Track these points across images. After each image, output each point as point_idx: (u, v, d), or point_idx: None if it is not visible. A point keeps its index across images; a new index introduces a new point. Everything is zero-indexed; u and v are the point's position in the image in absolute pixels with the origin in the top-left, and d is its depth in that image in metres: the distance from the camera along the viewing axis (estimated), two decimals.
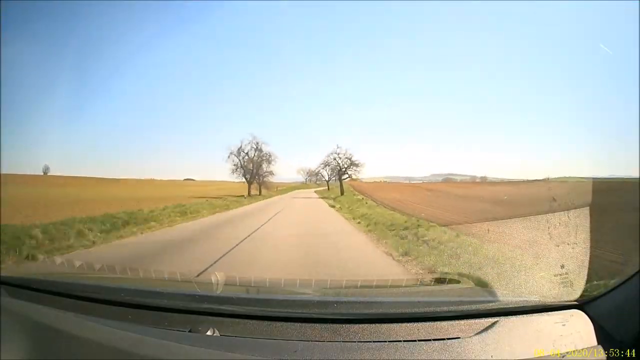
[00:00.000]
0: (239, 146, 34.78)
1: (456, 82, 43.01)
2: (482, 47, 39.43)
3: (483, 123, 44.80)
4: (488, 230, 7.80)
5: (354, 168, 34.37)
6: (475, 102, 41.78)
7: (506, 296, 1.73)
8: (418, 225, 9.51)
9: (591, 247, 2.84)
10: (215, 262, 5.49)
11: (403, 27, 40.75)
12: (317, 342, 1.33)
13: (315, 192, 40.43)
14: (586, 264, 2.30)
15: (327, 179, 37.64)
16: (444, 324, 1.40)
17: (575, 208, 4.04)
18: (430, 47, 42.83)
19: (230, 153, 34.82)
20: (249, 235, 8.45)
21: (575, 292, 1.60)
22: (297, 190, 43.80)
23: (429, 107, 44.95)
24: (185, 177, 47.33)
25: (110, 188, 31.97)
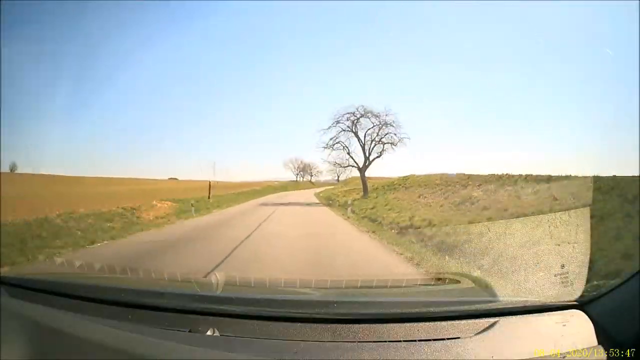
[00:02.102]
0: None
1: (454, 79, 42.67)
2: (484, 46, 39.26)
3: (480, 121, 44.16)
4: None
5: None
6: (472, 100, 41.21)
7: (506, 296, 1.72)
8: None
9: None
10: None
11: (401, 25, 40.70)
12: (317, 342, 1.33)
13: (319, 198, 18.02)
14: (586, 263, 2.29)
15: (361, 164, 16.30)
16: (444, 324, 1.39)
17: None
18: (429, 46, 42.69)
19: None
20: None
21: (575, 292, 1.59)
22: (269, 196, 21.35)
23: (425, 105, 44.25)
24: (170, 177, 44.36)
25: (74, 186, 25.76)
